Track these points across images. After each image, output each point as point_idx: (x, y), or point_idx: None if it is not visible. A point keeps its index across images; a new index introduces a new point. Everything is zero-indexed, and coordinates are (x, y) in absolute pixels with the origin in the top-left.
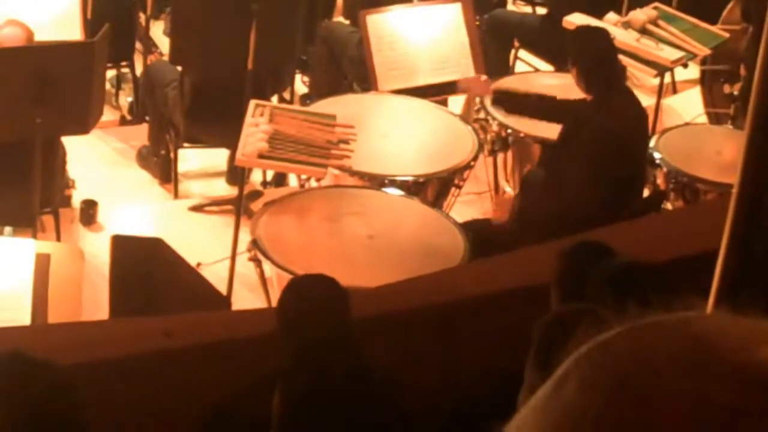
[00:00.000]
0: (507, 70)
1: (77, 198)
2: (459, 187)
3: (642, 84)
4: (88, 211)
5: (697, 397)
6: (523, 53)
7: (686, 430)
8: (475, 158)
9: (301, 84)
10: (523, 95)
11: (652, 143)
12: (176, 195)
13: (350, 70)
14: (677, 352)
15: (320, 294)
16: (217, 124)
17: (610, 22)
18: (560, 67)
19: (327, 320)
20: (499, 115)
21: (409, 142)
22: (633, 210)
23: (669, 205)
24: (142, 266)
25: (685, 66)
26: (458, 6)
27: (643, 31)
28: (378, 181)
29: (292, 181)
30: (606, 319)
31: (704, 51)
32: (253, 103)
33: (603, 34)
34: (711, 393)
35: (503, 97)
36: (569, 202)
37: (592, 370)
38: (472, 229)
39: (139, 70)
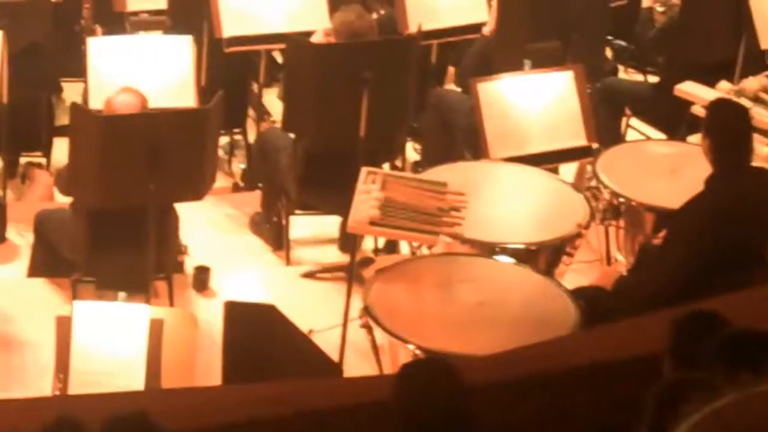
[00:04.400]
0: (618, 138)
1: (190, 264)
2: (570, 255)
3: (756, 153)
4: (201, 277)
5: None
6: (634, 121)
7: None
8: (586, 227)
9: (412, 151)
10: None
11: None
12: (288, 261)
13: (461, 137)
14: None
15: (434, 380)
16: (329, 191)
17: (722, 90)
18: (672, 135)
19: (441, 403)
20: (612, 183)
21: (520, 209)
22: (748, 281)
23: None
24: (255, 332)
25: None
26: (570, 74)
27: (756, 99)
28: (489, 249)
29: (404, 248)
30: (718, 387)
31: None
32: (364, 170)
33: (743, 112)
34: None
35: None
36: (676, 272)
37: None
38: (584, 297)
39: (251, 137)
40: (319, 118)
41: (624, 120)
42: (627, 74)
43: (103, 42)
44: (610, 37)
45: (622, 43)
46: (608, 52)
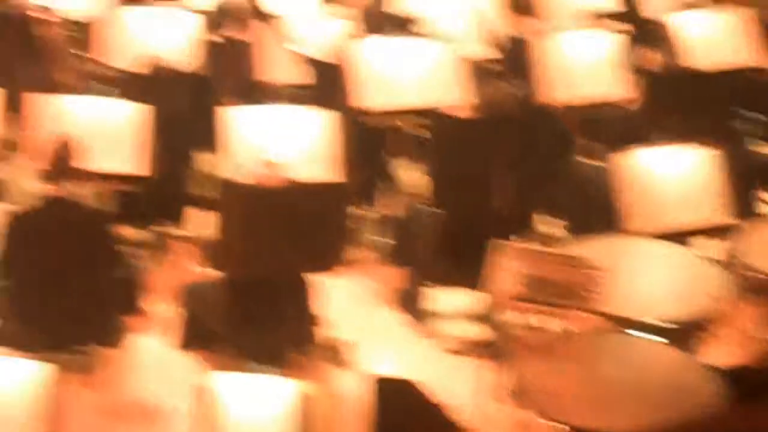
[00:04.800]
0: (750, 212)
1: (331, 338)
2: (712, 332)
3: None
4: (342, 351)
5: None
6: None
7: None
8: (728, 303)
9: (551, 225)
10: None
11: None
12: (431, 336)
13: (597, 210)
14: None
15: None
16: (471, 265)
17: None
18: None
19: None
20: (752, 260)
21: (660, 285)
22: None
23: None
24: (402, 409)
25: None
26: (708, 148)
27: None
28: (630, 325)
29: (546, 323)
30: None
31: None
32: (503, 244)
33: None
34: None
35: None
36: None
37: None
38: (728, 375)
39: (391, 210)
40: (459, 192)
41: (756, 193)
42: (759, 147)
43: (239, 112)
44: (741, 109)
45: (755, 114)
46: (740, 124)
